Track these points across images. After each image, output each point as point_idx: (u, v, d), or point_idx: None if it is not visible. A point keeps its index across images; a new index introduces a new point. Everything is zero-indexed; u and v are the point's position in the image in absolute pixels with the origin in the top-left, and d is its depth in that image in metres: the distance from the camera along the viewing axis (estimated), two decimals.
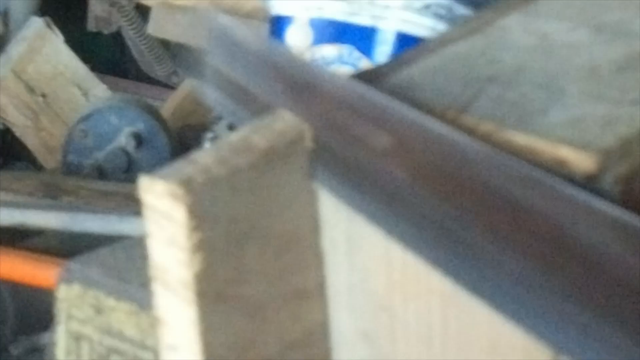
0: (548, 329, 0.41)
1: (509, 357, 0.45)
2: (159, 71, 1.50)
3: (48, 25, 1.37)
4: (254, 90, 0.50)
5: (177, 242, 0.45)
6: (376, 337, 0.49)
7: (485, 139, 0.46)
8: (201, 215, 0.44)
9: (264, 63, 0.50)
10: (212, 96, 0.52)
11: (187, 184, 0.44)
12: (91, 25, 1.57)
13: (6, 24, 1.00)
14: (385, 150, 0.45)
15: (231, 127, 1.12)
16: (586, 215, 0.40)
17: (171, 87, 1.47)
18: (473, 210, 0.42)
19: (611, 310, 0.39)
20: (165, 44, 1.46)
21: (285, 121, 0.48)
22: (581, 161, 0.44)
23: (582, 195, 0.41)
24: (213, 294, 0.46)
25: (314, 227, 0.49)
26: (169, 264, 0.45)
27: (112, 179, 1.27)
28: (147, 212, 0.45)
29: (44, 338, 0.95)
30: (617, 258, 0.39)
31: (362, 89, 0.48)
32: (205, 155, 0.46)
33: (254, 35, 0.51)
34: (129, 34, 1.52)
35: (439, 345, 0.47)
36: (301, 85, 0.49)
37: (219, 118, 1.13)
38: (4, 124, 1.38)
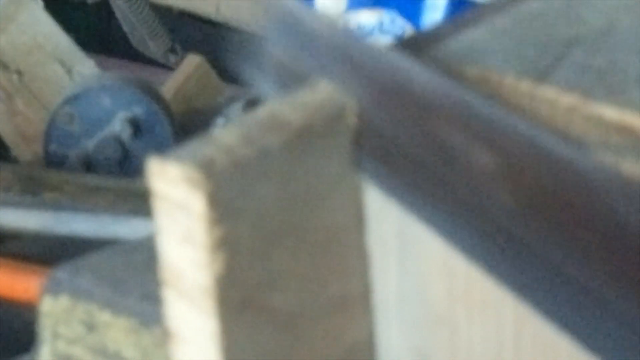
0: None
1: None
2: (153, 48, 1.39)
3: None
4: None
5: (195, 238, 0.39)
6: (433, 357, 0.43)
7: (569, 112, 0.41)
8: (224, 205, 0.39)
9: (341, 56, 0.44)
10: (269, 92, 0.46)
11: (208, 168, 0.38)
12: None
13: None
14: (461, 141, 0.40)
15: (247, 107, 1.06)
16: None
17: (168, 68, 1.37)
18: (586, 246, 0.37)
19: None
20: (161, 15, 1.35)
21: (324, 93, 0.42)
22: None
23: None
24: (238, 302, 0.40)
25: (359, 222, 0.43)
26: (184, 266, 0.40)
27: (104, 172, 1.17)
28: (158, 203, 0.39)
29: None
30: None
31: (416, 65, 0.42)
32: (228, 134, 0.40)
33: (329, 23, 0.45)
34: (117, 3, 1.41)
35: None
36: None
37: (232, 99, 1.06)
38: None
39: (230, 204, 0.39)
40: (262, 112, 0.41)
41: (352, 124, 0.42)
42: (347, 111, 0.42)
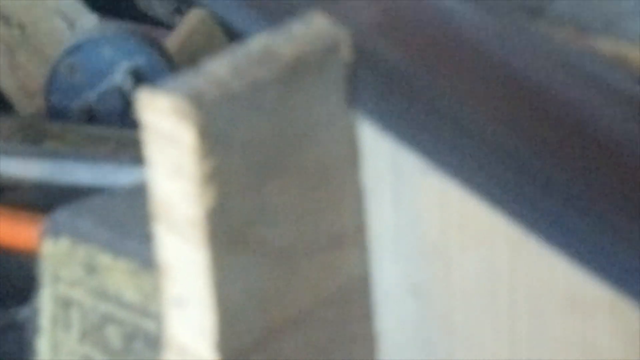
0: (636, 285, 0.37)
1: (591, 315, 0.41)
2: (158, 8, 1.41)
3: None
4: None
5: (185, 171, 0.40)
6: (429, 290, 0.44)
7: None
8: (215, 137, 0.39)
9: None
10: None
11: (198, 99, 0.39)
12: None
13: None
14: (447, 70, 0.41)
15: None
16: None
17: (173, 29, 1.40)
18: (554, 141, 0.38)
19: None
20: None
21: (317, 26, 0.43)
22: None
23: None
24: (229, 235, 0.41)
25: (353, 157, 0.44)
26: (174, 199, 0.41)
27: (106, 124, 1.18)
28: (148, 135, 0.40)
29: (23, 312, 0.90)
30: None
31: None
32: (219, 66, 0.41)
33: None
34: None
35: (505, 299, 0.42)
36: None
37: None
38: None
39: (220, 136, 0.40)
40: (254, 45, 0.42)
41: (346, 58, 0.43)
42: (341, 45, 0.43)
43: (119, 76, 1.15)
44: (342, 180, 0.44)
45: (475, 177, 0.41)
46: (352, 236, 0.45)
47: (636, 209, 0.36)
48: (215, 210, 0.40)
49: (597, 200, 0.37)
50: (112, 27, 1.23)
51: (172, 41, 1.25)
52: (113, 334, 0.73)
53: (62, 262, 0.75)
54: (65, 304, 0.77)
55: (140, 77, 1.16)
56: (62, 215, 0.74)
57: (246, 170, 0.41)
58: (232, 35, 1.24)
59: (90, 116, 1.17)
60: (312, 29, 0.43)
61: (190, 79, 0.40)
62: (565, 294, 0.41)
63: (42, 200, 0.98)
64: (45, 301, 0.76)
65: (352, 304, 0.45)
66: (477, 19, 0.43)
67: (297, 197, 0.43)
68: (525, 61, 0.40)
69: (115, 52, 1.17)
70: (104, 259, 0.72)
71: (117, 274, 0.71)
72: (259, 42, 0.42)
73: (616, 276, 0.38)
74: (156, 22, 1.43)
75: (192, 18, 1.27)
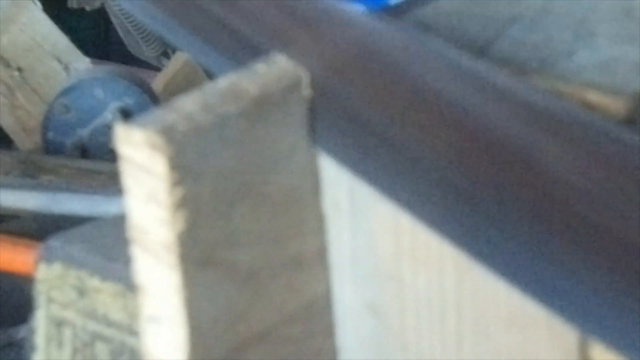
0: (572, 308, 0.39)
1: (530, 333, 0.43)
2: (147, 52, 1.47)
3: None
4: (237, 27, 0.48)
5: (158, 198, 0.42)
6: (384, 309, 0.46)
7: None
8: (184, 167, 0.42)
9: (304, 24, 0.48)
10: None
11: (169, 132, 0.41)
12: (72, 2, 1.55)
13: None
14: (399, 108, 0.43)
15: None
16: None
17: (160, 70, 1.43)
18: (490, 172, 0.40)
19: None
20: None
21: (280, 66, 0.46)
22: (610, 105, 0.43)
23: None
24: (199, 257, 0.43)
25: (314, 186, 0.46)
26: (148, 224, 0.43)
27: (97, 158, 1.23)
28: (124, 166, 0.43)
29: (21, 331, 0.92)
30: None
31: (376, 25, 0.46)
32: (189, 102, 0.43)
33: None
34: (113, 11, 1.49)
35: (453, 317, 0.45)
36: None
37: None
38: None
39: (190, 166, 0.42)
40: (221, 83, 0.45)
41: (307, 95, 0.45)
42: (301, 83, 0.45)
43: (109, 115, 1.21)
44: (304, 207, 0.47)
45: (422, 208, 0.43)
46: (314, 258, 0.47)
47: (570, 237, 0.38)
48: (185, 234, 0.43)
49: (536, 230, 0.38)
50: (104, 69, 1.28)
51: (158, 81, 1.30)
52: (101, 351, 0.75)
53: (55, 285, 0.77)
54: (58, 323, 0.78)
55: (128, 115, 1.21)
56: (55, 242, 0.77)
57: (215, 197, 0.44)
58: (212, 76, 1.28)
59: (83, 151, 1.23)
60: (275, 68, 0.45)
61: (162, 114, 0.43)
62: (507, 313, 0.43)
63: (38, 229, 1.02)
64: (40, 321, 0.79)
65: (315, 321, 0.48)
66: (429, 57, 0.45)
67: (263, 222, 0.46)
68: (473, 97, 0.42)
69: (106, 92, 1.23)
70: (93, 282, 0.74)
71: (105, 296, 0.73)
72: (226, 80, 0.45)
73: (551, 299, 0.40)
74: (144, 64, 1.47)
75: (177, 60, 1.32)
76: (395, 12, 0.51)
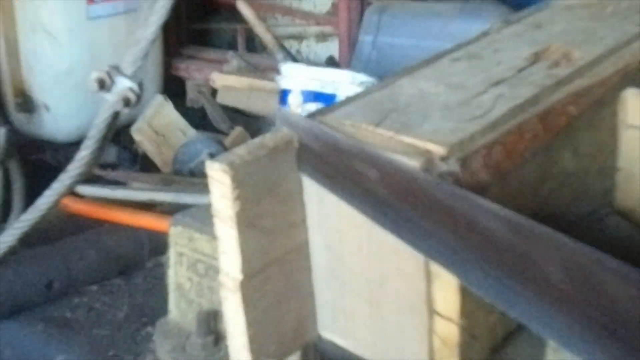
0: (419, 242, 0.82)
1: (389, 258, 0.87)
2: (222, 126, 2.74)
3: (165, 99, 2.60)
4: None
5: (226, 195, 0.86)
6: (333, 248, 0.92)
7: (389, 140, 0.90)
8: (238, 181, 0.85)
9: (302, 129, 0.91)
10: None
11: (231, 164, 0.85)
12: (188, 102, 3.00)
13: (139, 95, 1.56)
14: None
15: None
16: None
17: (229, 135, 2.61)
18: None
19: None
20: (226, 110, 2.76)
21: (283, 132, 0.91)
22: (439, 150, 0.85)
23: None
24: (245, 223, 0.87)
25: (300, 189, 0.92)
26: (222, 208, 0.87)
27: (198, 177, 2.24)
28: (210, 180, 0.87)
29: (164, 258, 1.65)
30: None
31: (316, 124, 0.92)
32: (241, 150, 0.88)
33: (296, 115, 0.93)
34: (207, 107, 2.79)
35: (365, 252, 0.90)
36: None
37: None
38: (143, 151, 2.56)
39: (241, 180, 0.87)
40: (256, 140, 0.91)
41: (296, 148, 0.91)
42: (293, 142, 0.91)
43: (205, 156, 2.32)
44: (295, 198, 0.92)
45: (369, 215, 0.89)
46: (301, 223, 0.93)
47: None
48: (239, 212, 0.87)
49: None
50: (202, 135, 2.48)
51: (228, 140, 2.49)
52: (200, 267, 1.38)
53: (178, 237, 1.41)
54: (179, 254, 1.43)
55: (213, 156, 2.03)
56: (178, 216, 1.44)
57: (252, 194, 0.88)
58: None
59: (192, 174, 2.34)
60: (281, 134, 0.91)
61: (228, 155, 0.88)
62: (391, 245, 0.90)
63: (172, 210, 1.86)
64: (171, 255, 1.45)
65: (302, 253, 0.93)
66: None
67: (275, 206, 0.90)
68: None
69: (202, 145, 2.38)
70: (196, 235, 1.36)
71: (202, 242, 1.35)
72: (258, 139, 0.90)
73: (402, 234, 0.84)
74: (221, 132, 2.71)
75: (236, 131, 2.54)
76: (330, 108, 0.99)
